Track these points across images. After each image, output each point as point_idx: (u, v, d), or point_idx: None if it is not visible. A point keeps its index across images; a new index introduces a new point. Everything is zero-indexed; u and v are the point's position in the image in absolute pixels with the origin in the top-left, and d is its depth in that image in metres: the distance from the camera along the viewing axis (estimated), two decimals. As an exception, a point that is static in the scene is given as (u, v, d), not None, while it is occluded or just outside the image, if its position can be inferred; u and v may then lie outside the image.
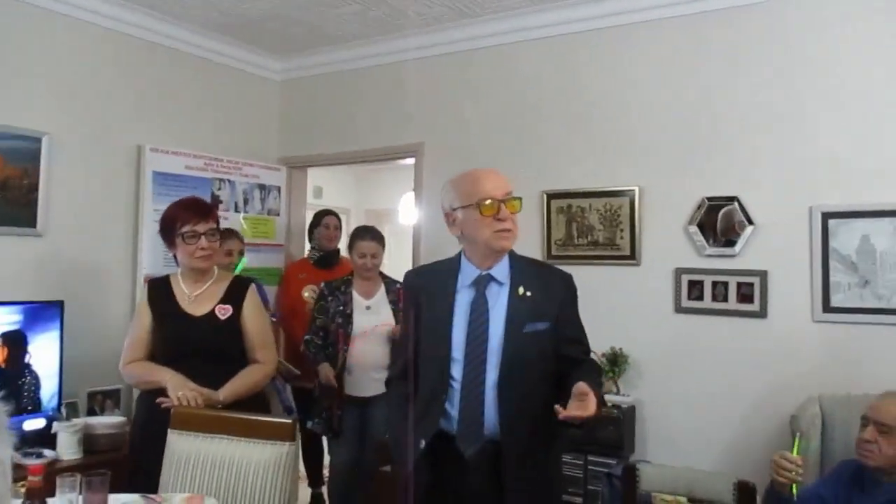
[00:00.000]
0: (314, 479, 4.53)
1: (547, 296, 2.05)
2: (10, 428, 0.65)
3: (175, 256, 2.79)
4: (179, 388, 2.48)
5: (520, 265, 2.11)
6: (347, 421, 3.67)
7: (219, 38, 4.32)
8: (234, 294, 2.74)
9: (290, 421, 2.36)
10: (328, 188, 8.04)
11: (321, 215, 4.47)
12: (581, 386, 1.76)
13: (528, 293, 2.04)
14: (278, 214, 4.63)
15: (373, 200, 8.40)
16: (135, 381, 2.76)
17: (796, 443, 2.12)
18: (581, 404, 1.74)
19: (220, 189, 4.18)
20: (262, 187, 4.52)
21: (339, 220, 4.49)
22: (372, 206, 8.29)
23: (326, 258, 4.33)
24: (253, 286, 2.84)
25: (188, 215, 2.68)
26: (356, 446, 3.73)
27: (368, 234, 3.85)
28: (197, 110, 4.30)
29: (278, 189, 4.63)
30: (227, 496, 2.22)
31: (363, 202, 8.62)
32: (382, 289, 3.81)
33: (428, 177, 4.23)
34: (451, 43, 4.13)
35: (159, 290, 2.76)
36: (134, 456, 2.68)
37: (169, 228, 2.71)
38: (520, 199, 2.05)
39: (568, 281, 2.13)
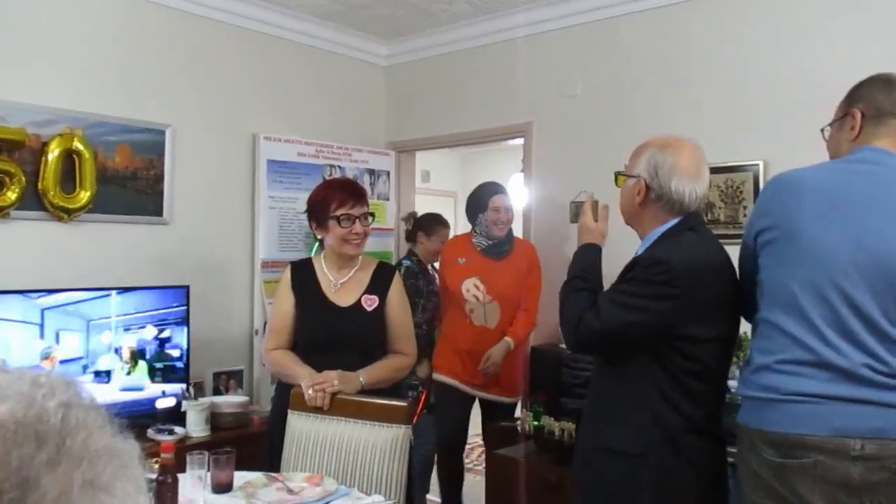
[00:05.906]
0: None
1: None
2: (143, 465, 0.55)
3: (320, 240, 2.71)
4: (311, 389, 2.37)
5: None
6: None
7: (327, 25, 4.37)
8: (380, 282, 2.65)
9: (404, 404, 2.36)
10: (435, 172, 8.06)
11: (488, 194, 3.74)
12: None
13: None
14: (388, 199, 4.67)
15: (480, 182, 8.33)
16: (274, 372, 2.73)
17: None
18: None
19: (330, 175, 4.24)
20: (371, 172, 4.56)
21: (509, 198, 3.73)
22: (479, 189, 8.25)
23: (498, 246, 3.70)
24: (398, 273, 2.76)
25: (344, 197, 2.57)
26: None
27: (446, 221, 4.13)
28: (306, 98, 4.38)
29: (387, 174, 4.67)
30: (344, 476, 2.25)
31: (470, 184, 8.53)
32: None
33: (537, 156, 4.14)
34: (559, 18, 4.00)
35: (302, 274, 2.67)
36: (270, 439, 2.61)
37: (321, 210, 2.60)
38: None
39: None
